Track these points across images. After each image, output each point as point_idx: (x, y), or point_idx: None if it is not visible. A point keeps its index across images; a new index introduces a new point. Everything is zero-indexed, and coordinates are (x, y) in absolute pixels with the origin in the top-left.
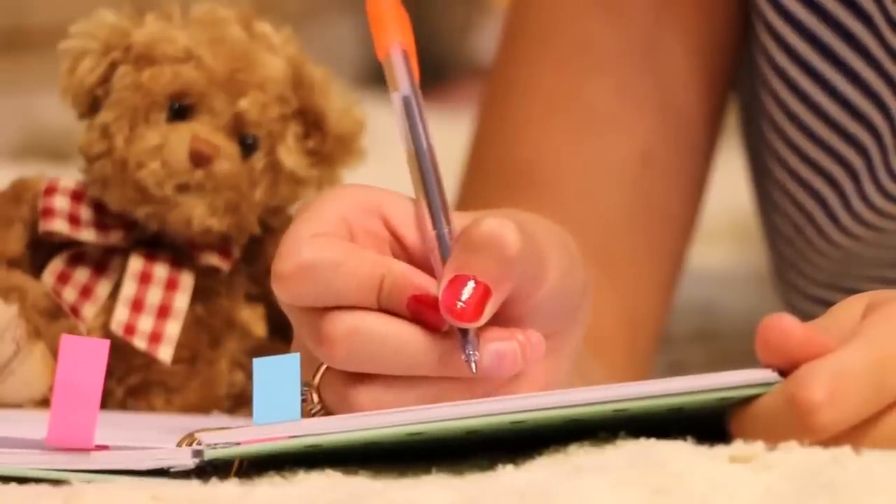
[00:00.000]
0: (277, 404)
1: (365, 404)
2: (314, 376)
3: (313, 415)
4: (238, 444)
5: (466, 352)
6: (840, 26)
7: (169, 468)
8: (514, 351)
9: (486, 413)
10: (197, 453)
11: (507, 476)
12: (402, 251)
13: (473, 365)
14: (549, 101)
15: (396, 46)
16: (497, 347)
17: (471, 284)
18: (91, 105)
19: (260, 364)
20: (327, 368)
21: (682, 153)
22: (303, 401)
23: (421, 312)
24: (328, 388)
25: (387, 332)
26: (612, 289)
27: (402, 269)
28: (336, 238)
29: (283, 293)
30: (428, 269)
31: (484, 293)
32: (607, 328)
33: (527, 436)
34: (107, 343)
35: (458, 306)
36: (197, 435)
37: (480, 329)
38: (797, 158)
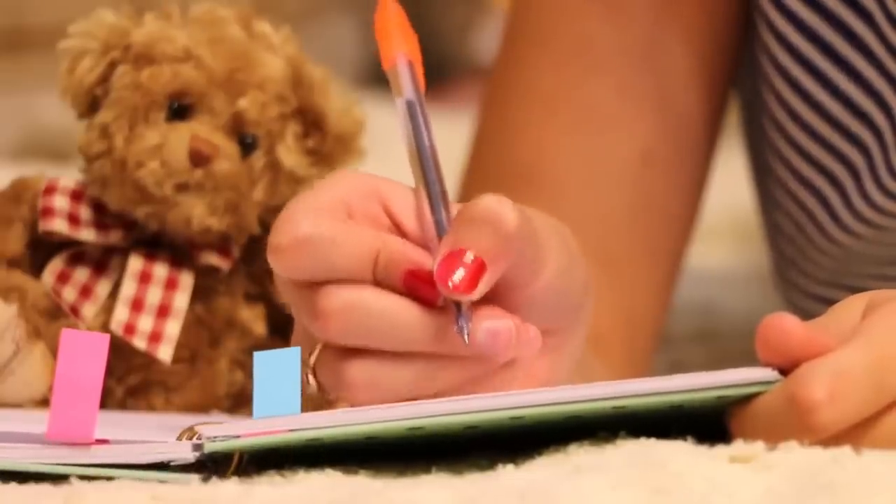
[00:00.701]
0: (277, 398)
1: (358, 379)
2: (310, 355)
3: (308, 395)
4: (238, 437)
5: (459, 324)
6: (842, 25)
7: (169, 462)
8: (509, 329)
9: (485, 408)
10: (197, 447)
11: (507, 476)
12: (401, 237)
13: (466, 336)
14: (549, 101)
15: (402, 57)
16: (491, 324)
17: (467, 257)
18: (90, 105)
19: (260, 358)
20: (323, 348)
21: (682, 153)
22: None
23: (416, 287)
24: (324, 367)
25: (382, 307)
26: (611, 288)
27: (398, 244)
28: (334, 214)
29: (279, 266)
30: None
31: (479, 267)
32: (606, 327)
33: (526, 435)
34: (107, 337)
35: (453, 279)
36: (197, 428)
37: (476, 307)
38: (799, 157)
